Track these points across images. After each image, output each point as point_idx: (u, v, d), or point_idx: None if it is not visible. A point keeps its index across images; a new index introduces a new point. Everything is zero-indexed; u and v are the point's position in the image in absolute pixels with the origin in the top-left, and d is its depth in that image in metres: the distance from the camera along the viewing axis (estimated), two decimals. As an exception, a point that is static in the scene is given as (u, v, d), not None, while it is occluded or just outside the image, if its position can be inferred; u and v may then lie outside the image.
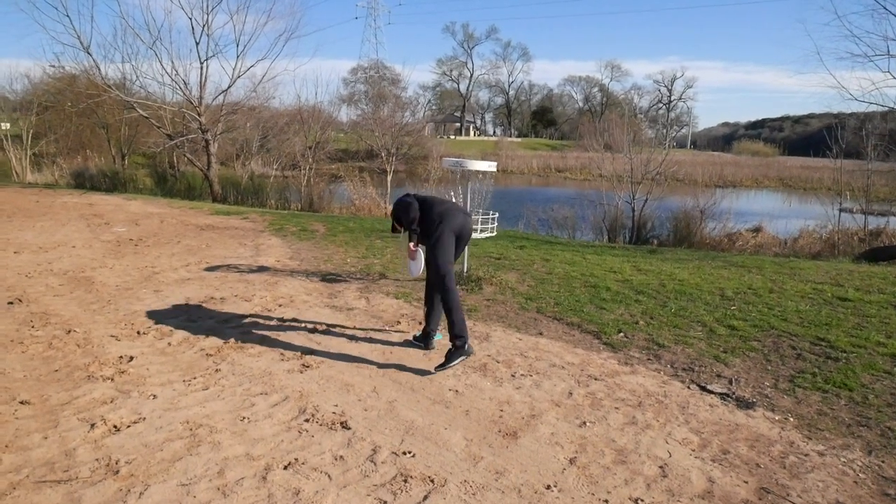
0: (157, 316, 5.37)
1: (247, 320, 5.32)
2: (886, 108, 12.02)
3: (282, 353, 4.49)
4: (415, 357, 4.49)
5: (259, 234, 10.56)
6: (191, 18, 18.98)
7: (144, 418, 3.37)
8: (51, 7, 18.06)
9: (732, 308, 5.94)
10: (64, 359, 4.29)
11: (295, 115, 24.70)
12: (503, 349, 4.73)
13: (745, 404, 3.82)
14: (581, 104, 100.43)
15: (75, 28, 17.91)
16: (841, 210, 14.64)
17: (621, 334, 5.15)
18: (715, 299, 6.29)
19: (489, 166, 6.65)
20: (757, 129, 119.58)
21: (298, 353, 4.49)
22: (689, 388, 4.08)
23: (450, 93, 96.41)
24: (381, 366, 4.30)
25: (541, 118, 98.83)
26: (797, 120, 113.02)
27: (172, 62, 18.98)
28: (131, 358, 4.31)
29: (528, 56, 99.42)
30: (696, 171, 41.70)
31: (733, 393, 3.98)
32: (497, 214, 6.71)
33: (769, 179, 46.66)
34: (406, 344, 4.80)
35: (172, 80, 19.12)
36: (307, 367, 4.24)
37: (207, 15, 18.99)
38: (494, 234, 6.66)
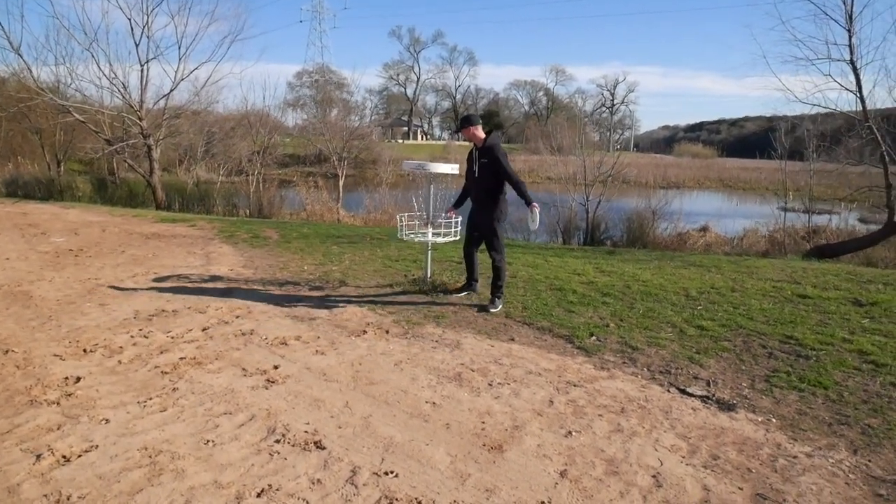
0: (104, 332, 5.00)
1: (202, 334, 5.01)
2: (829, 110, 12.41)
3: (244, 369, 4.22)
4: (386, 368, 4.29)
5: (209, 241, 10.14)
6: (130, 19, 18.30)
7: (97, 446, 3.07)
8: (-24, 7, 17.06)
9: (699, 308, 5.95)
10: (2, 382, 3.92)
11: (241, 119, 24.07)
12: (476, 357, 4.58)
13: (726, 406, 3.76)
14: (527, 108, 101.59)
15: (3, 28, 17.05)
16: (785, 209, 15.09)
17: (593, 338, 5.07)
18: (680, 299, 6.29)
19: (451, 169, 6.52)
20: (695, 131, 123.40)
21: (262, 368, 4.23)
22: (668, 391, 4.00)
23: (397, 97, 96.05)
24: (351, 378, 4.09)
25: (488, 121, 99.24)
26: (733, 123, 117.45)
27: (111, 64, 18.27)
28: (78, 379, 3.96)
29: (475, 60, 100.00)
30: (643, 172, 42.57)
31: (713, 395, 3.93)
32: (460, 218, 6.56)
33: (710, 181, 48.07)
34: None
35: (111, 82, 18.42)
36: (272, 382, 3.99)
37: (147, 16, 18.35)
38: (458, 237, 6.51)
